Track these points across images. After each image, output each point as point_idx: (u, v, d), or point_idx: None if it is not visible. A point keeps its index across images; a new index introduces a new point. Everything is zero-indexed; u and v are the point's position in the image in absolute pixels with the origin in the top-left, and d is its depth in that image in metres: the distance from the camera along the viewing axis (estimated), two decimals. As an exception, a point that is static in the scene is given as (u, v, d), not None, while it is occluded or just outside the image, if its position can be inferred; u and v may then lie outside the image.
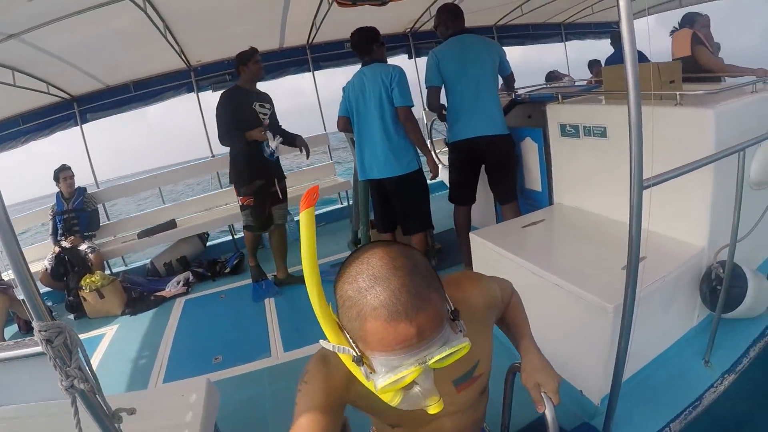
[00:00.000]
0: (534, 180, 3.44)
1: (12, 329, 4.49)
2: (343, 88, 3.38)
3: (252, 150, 3.79)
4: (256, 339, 3.42)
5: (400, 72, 3.13)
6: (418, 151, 3.32)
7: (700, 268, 2.25)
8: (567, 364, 2.15)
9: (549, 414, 1.10)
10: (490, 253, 2.58)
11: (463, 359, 0.90)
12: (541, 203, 3.33)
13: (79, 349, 1.06)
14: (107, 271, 5.02)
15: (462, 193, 3.50)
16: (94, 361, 3.58)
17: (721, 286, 2.06)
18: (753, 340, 2.30)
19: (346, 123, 3.43)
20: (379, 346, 0.78)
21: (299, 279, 4.12)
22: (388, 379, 0.79)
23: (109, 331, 4.12)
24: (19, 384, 1.23)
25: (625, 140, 2.25)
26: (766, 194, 2.38)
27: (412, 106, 3.16)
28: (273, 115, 4.03)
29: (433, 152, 3.65)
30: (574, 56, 8.25)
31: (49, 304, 4.82)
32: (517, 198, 3.39)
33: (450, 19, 3.29)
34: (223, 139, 3.81)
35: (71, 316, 4.55)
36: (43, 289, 4.90)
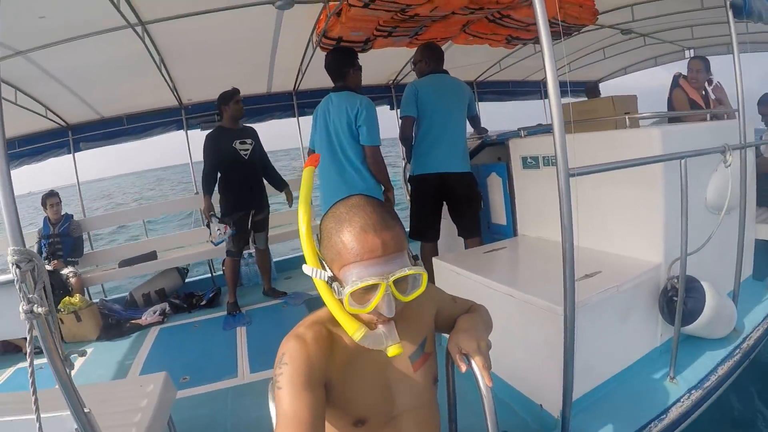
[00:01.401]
0: (499, 214, 3.59)
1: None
2: (313, 116, 3.41)
3: (232, 186, 4.20)
4: (223, 361, 3.51)
5: (368, 107, 3.04)
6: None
7: (658, 284, 2.32)
8: (527, 379, 2.22)
9: (479, 379, 1.07)
10: (451, 275, 2.69)
11: (413, 334, 1.10)
12: (506, 236, 3.45)
13: (45, 280, 1.19)
14: (86, 297, 5.04)
15: (429, 227, 3.49)
16: (64, 379, 3.56)
17: (677, 297, 2.12)
18: (721, 359, 2.35)
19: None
20: (351, 256, 0.93)
21: (281, 293, 4.80)
22: (354, 286, 0.92)
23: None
24: None
25: (585, 164, 2.44)
26: (727, 217, 2.46)
27: (379, 145, 3.12)
28: (257, 150, 4.33)
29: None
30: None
31: None
32: (480, 233, 3.45)
33: (432, 57, 3.41)
34: (203, 181, 4.17)
35: None
36: None
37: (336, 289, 0.96)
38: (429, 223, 3.46)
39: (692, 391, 2.14)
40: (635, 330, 2.26)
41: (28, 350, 1.19)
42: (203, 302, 4.97)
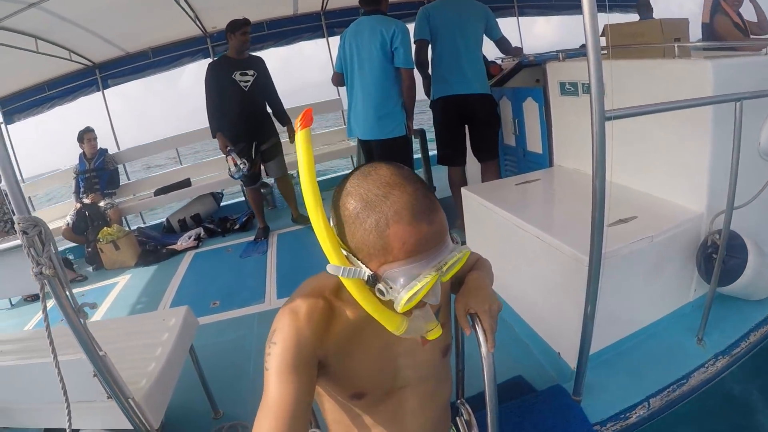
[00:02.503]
0: (535, 142, 3.43)
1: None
2: (341, 37, 3.38)
3: (230, 120, 4.16)
4: (252, 287, 3.67)
5: (403, 30, 3.07)
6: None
7: (698, 235, 2.14)
8: (549, 324, 2.20)
9: (482, 343, 1.00)
10: (479, 208, 2.64)
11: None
12: (541, 165, 3.32)
13: (52, 244, 1.23)
14: (125, 227, 5.28)
15: (453, 150, 3.48)
16: (106, 305, 3.93)
17: (717, 255, 1.95)
18: (755, 324, 2.18)
19: (340, 79, 3.46)
20: (402, 252, 0.76)
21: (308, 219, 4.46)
22: (410, 290, 0.76)
23: (122, 280, 4.45)
24: (3, 276, 1.42)
25: (624, 98, 2.22)
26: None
27: (414, 68, 3.15)
28: (260, 81, 4.22)
29: None
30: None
31: (71, 257, 5.27)
32: (497, 157, 3.44)
33: None
34: (208, 113, 4.15)
35: (90, 268, 4.92)
36: (66, 245, 5.36)
37: (383, 290, 0.78)
38: (455, 147, 3.46)
39: (719, 357, 2.03)
40: (667, 284, 2.16)
41: (42, 306, 1.23)
42: (237, 226, 5.20)
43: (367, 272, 0.78)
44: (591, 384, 1.86)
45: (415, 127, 3.98)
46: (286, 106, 4.50)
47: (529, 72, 3.65)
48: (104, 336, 2.07)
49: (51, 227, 4.05)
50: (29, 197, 5.79)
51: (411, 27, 3.28)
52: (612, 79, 2.35)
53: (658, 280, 2.10)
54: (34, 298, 4.37)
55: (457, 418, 1.36)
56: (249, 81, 4.14)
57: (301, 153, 0.82)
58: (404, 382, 1.05)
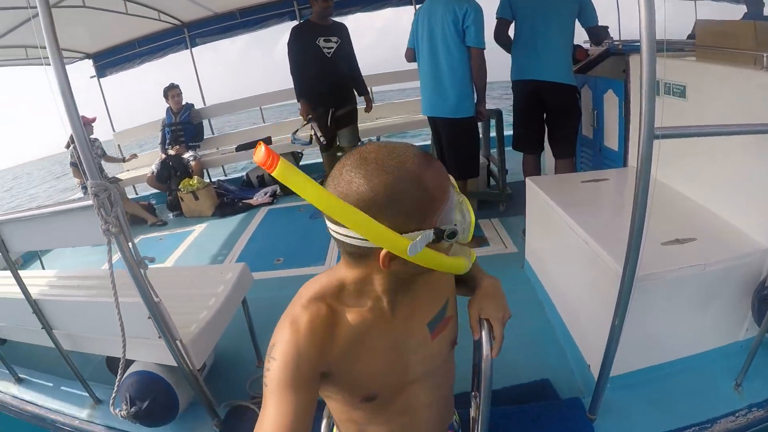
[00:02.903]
0: (611, 138, 3.22)
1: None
2: (415, 12, 3.32)
3: (311, 85, 4.22)
4: (316, 249, 3.84)
5: (476, 8, 2.97)
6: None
7: (758, 272, 1.91)
8: (583, 334, 2.17)
9: (485, 348, 1.00)
10: (540, 200, 2.58)
11: (435, 296, 1.01)
12: (615, 164, 3.15)
13: (119, 208, 1.48)
14: (206, 178, 5.70)
15: (526, 137, 3.38)
16: (180, 250, 4.36)
17: None
18: None
19: (411, 54, 3.41)
20: (440, 192, 0.78)
21: None
22: (468, 217, 0.82)
23: (198, 228, 4.87)
24: (78, 229, 1.68)
25: (707, 104, 2.14)
26: None
27: (485, 48, 3.05)
28: (343, 48, 4.25)
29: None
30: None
31: (153, 202, 5.81)
32: (573, 155, 3.27)
33: None
34: (292, 76, 4.25)
35: (170, 214, 5.43)
36: (149, 191, 6.00)
37: (455, 230, 0.79)
38: (528, 134, 3.36)
39: (753, 409, 1.85)
40: (716, 317, 1.97)
41: (108, 257, 1.46)
42: (312, 185, 5.46)
43: (429, 232, 0.76)
44: (611, 404, 1.83)
45: (493, 107, 3.92)
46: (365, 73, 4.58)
47: (615, 61, 3.39)
48: (168, 281, 2.40)
49: (136, 175, 4.52)
50: (119, 145, 6.38)
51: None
52: (695, 77, 2.17)
53: (706, 312, 1.95)
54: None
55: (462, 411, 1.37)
56: (332, 48, 4.17)
57: (292, 180, 0.73)
58: (414, 378, 1.04)
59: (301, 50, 4.13)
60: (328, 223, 0.79)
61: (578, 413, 1.85)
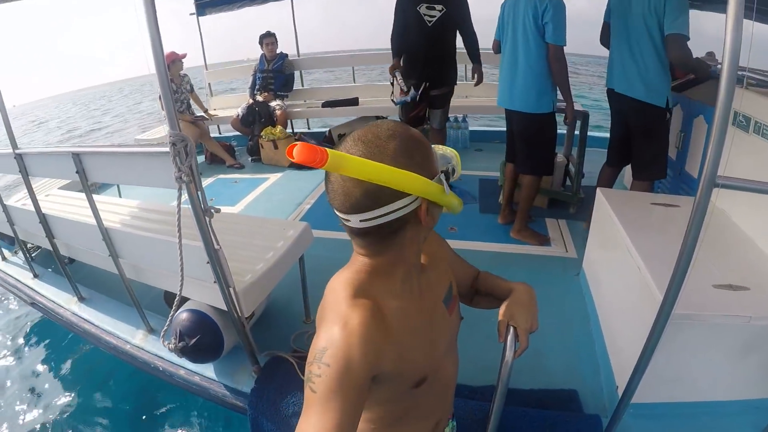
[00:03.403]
0: (694, 164, 3.13)
1: (199, 159, 5.67)
2: (501, 5, 3.25)
3: (408, 56, 3.92)
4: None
5: (557, 4, 2.87)
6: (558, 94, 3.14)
7: None
8: (619, 355, 2.15)
9: (508, 352, 1.06)
10: (605, 215, 2.54)
11: (441, 277, 1.10)
12: (692, 191, 3.03)
13: (193, 159, 1.58)
14: (289, 129, 5.87)
15: (609, 147, 3.28)
16: (252, 196, 4.57)
17: None
18: None
19: (497, 46, 3.35)
20: (426, 142, 0.91)
21: None
22: (449, 154, 0.95)
23: (273, 178, 5.08)
24: (153, 171, 1.82)
25: None
26: None
27: (564, 45, 2.95)
28: (449, 18, 3.78)
29: None
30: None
31: (234, 143, 6.04)
32: (651, 178, 3.05)
33: None
34: (391, 39, 3.98)
35: (249, 159, 5.67)
36: (232, 132, 6.20)
37: (451, 176, 0.92)
38: (610, 143, 3.27)
39: None
40: (752, 370, 1.92)
41: (177, 203, 1.58)
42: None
43: (441, 174, 0.89)
44: (630, 430, 1.83)
45: (581, 108, 3.83)
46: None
47: (713, 86, 3.18)
48: (231, 228, 2.55)
49: (222, 115, 4.71)
50: (209, 83, 6.66)
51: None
52: None
53: (743, 362, 1.90)
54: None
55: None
56: (435, 17, 3.73)
57: (348, 170, 0.79)
58: (443, 352, 1.09)
59: (402, 16, 3.83)
60: (356, 220, 0.86)
61: (594, 431, 1.85)
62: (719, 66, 3.11)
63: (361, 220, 0.85)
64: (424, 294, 1.01)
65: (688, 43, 2.62)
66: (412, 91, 3.88)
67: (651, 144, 2.96)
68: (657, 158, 2.99)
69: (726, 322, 1.75)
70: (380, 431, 1.08)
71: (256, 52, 5.96)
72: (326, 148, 0.74)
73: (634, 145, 3.05)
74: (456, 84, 4.09)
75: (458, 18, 3.82)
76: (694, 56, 2.80)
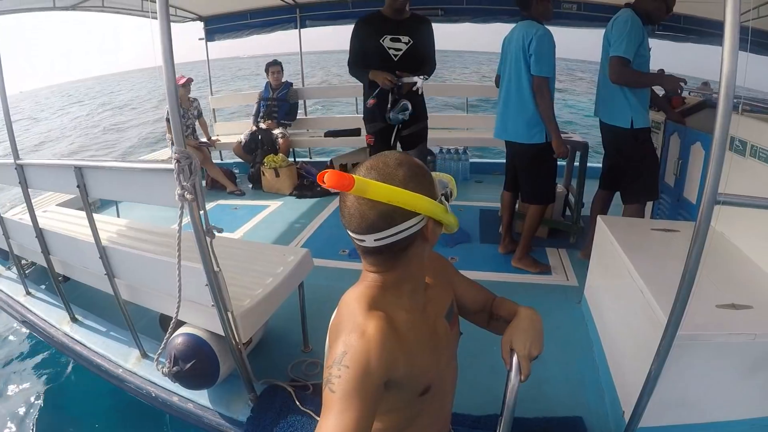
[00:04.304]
0: (692, 190, 3.17)
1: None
2: (502, 41, 3.35)
3: (373, 90, 3.35)
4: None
5: (540, 36, 2.93)
6: None
7: None
8: (624, 381, 2.14)
9: (513, 378, 1.08)
10: (606, 241, 2.56)
11: (443, 295, 1.18)
12: (691, 216, 3.06)
13: (197, 177, 1.58)
14: (291, 158, 5.92)
15: (602, 171, 3.42)
16: (252, 223, 4.57)
17: None
18: None
19: (498, 81, 3.43)
20: (426, 169, 1.01)
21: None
22: (444, 180, 1.05)
23: (273, 205, 5.08)
24: (156, 188, 1.80)
25: None
26: None
27: (548, 77, 3.00)
28: (416, 50, 3.38)
29: None
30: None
31: (236, 171, 6.12)
32: (638, 201, 3.17)
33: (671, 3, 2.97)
34: (350, 70, 3.53)
35: (250, 185, 5.69)
36: (234, 159, 6.27)
37: (450, 197, 1.04)
38: (604, 169, 3.42)
39: None
40: (760, 388, 1.91)
41: (179, 221, 1.57)
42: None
43: (441, 196, 1.00)
44: None
45: (579, 139, 3.91)
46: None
47: (709, 114, 3.19)
48: (231, 253, 2.53)
49: (224, 141, 4.77)
50: (213, 109, 6.73)
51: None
52: None
53: (752, 381, 1.89)
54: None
55: None
56: (401, 50, 3.33)
57: (372, 194, 0.90)
58: (446, 364, 1.16)
59: (362, 47, 3.39)
60: (370, 240, 0.96)
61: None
62: (714, 95, 3.22)
63: (375, 239, 0.95)
64: (428, 308, 1.11)
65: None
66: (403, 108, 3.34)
67: (629, 165, 3.11)
68: (638, 179, 3.10)
69: (731, 341, 1.75)
70: None
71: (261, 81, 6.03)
72: (353, 175, 0.89)
73: (619, 171, 3.20)
74: (427, 118, 3.68)
75: (424, 50, 3.46)
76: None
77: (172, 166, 1.53)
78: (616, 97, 2.97)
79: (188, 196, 1.54)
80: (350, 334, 0.93)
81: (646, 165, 3.08)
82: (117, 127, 20.52)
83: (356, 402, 0.85)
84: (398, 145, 3.60)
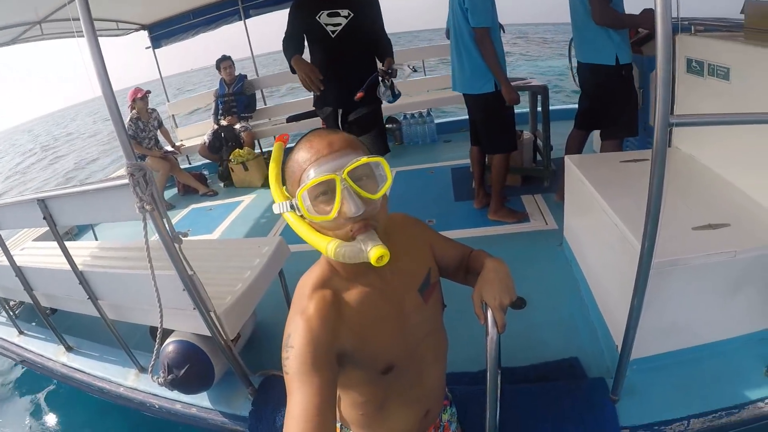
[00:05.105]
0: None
1: (171, 191, 5.76)
2: None
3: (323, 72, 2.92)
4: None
5: None
6: None
7: None
8: (613, 315, 2.16)
9: (490, 330, 1.05)
10: (576, 180, 2.57)
11: (418, 266, 1.12)
12: None
13: (153, 187, 1.57)
14: (257, 150, 5.88)
15: (578, 112, 3.39)
16: (228, 220, 4.57)
17: None
18: None
19: (448, 34, 3.43)
20: (300, 166, 0.90)
21: None
22: (304, 185, 0.87)
23: (247, 199, 5.06)
24: (117, 205, 1.79)
25: (750, 87, 2.08)
26: None
27: (488, 27, 2.96)
28: (358, 24, 3.03)
29: None
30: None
31: (205, 172, 6.05)
32: (618, 136, 3.18)
33: None
34: (284, 52, 3.08)
35: (221, 184, 5.64)
36: (202, 161, 6.22)
37: (294, 205, 0.92)
38: (579, 109, 3.41)
39: None
40: (747, 304, 1.92)
41: (144, 233, 1.56)
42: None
43: (289, 202, 0.93)
44: (636, 387, 1.84)
45: (538, 83, 3.89)
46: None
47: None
48: (205, 254, 2.54)
49: (189, 145, 4.72)
50: (172, 115, 6.61)
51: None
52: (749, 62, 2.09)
53: (736, 298, 1.91)
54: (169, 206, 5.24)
55: None
56: (339, 25, 2.99)
57: (272, 157, 1.08)
58: (419, 340, 1.11)
59: (300, 25, 3.03)
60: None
61: (601, 393, 1.86)
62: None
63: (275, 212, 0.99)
64: (393, 284, 1.05)
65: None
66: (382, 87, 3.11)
67: (611, 102, 3.09)
68: (621, 115, 3.10)
69: (711, 261, 1.76)
70: (368, 417, 1.13)
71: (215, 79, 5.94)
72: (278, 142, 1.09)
73: (597, 107, 3.18)
74: (380, 102, 3.26)
75: (368, 21, 3.09)
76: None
77: (127, 181, 1.51)
78: (599, 36, 2.95)
79: (147, 207, 1.53)
80: (293, 317, 0.93)
81: (628, 101, 3.10)
82: (77, 154, 20.00)
83: (310, 375, 0.86)
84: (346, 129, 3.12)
